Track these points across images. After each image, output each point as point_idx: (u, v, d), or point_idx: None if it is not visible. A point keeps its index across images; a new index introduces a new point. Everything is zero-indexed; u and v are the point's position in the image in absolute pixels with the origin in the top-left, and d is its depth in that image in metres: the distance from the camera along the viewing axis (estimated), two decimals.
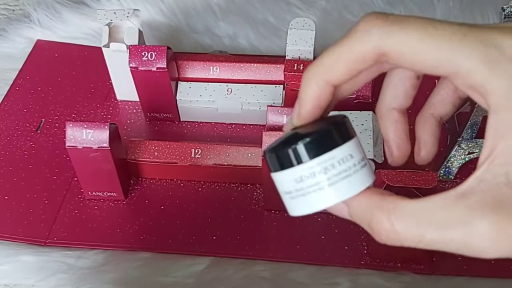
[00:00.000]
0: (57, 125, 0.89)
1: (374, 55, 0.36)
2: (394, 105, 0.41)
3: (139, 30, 0.85)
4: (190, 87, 0.87)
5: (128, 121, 0.90)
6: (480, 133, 0.78)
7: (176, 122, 0.90)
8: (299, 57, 0.83)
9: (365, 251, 0.73)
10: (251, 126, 0.88)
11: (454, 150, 0.78)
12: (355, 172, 0.37)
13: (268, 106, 0.74)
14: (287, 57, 0.83)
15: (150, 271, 0.73)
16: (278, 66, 0.86)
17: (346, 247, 0.74)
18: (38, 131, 0.89)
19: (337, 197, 0.37)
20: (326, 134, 0.37)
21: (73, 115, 0.91)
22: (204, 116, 0.88)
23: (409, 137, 0.42)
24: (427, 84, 0.78)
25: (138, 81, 0.83)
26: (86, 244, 0.76)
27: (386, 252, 0.70)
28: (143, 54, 0.81)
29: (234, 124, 0.89)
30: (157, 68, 0.81)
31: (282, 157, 0.37)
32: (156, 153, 0.80)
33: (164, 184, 0.82)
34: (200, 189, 0.81)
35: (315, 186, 0.37)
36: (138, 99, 0.87)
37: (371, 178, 0.38)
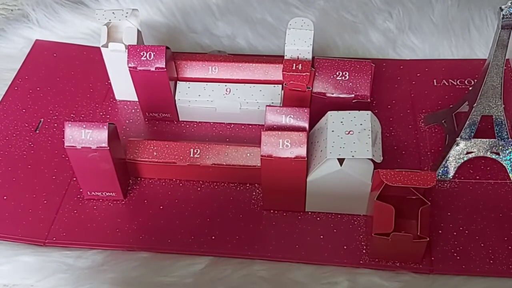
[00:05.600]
0: (56, 125, 0.89)
1: None
2: None
3: (138, 30, 0.85)
4: (189, 87, 0.87)
5: (127, 121, 0.90)
6: (478, 133, 0.78)
7: (175, 122, 0.90)
8: (298, 56, 0.83)
9: (363, 251, 0.73)
10: (250, 126, 0.88)
11: (452, 149, 0.78)
12: None
13: (266, 106, 0.74)
14: (285, 57, 0.83)
15: (149, 271, 0.73)
16: (277, 66, 0.86)
17: (344, 247, 0.74)
18: (37, 131, 0.89)
19: None
20: None
21: (72, 115, 0.91)
22: (203, 116, 0.88)
23: None
24: (426, 83, 0.78)
25: (136, 81, 0.84)
26: (85, 244, 0.76)
27: (384, 251, 0.70)
28: (141, 54, 0.81)
29: (233, 124, 0.89)
30: (156, 68, 0.81)
31: None
32: (155, 153, 0.80)
33: (163, 184, 0.82)
34: (199, 189, 0.81)
35: None
36: (137, 99, 0.87)
37: None
